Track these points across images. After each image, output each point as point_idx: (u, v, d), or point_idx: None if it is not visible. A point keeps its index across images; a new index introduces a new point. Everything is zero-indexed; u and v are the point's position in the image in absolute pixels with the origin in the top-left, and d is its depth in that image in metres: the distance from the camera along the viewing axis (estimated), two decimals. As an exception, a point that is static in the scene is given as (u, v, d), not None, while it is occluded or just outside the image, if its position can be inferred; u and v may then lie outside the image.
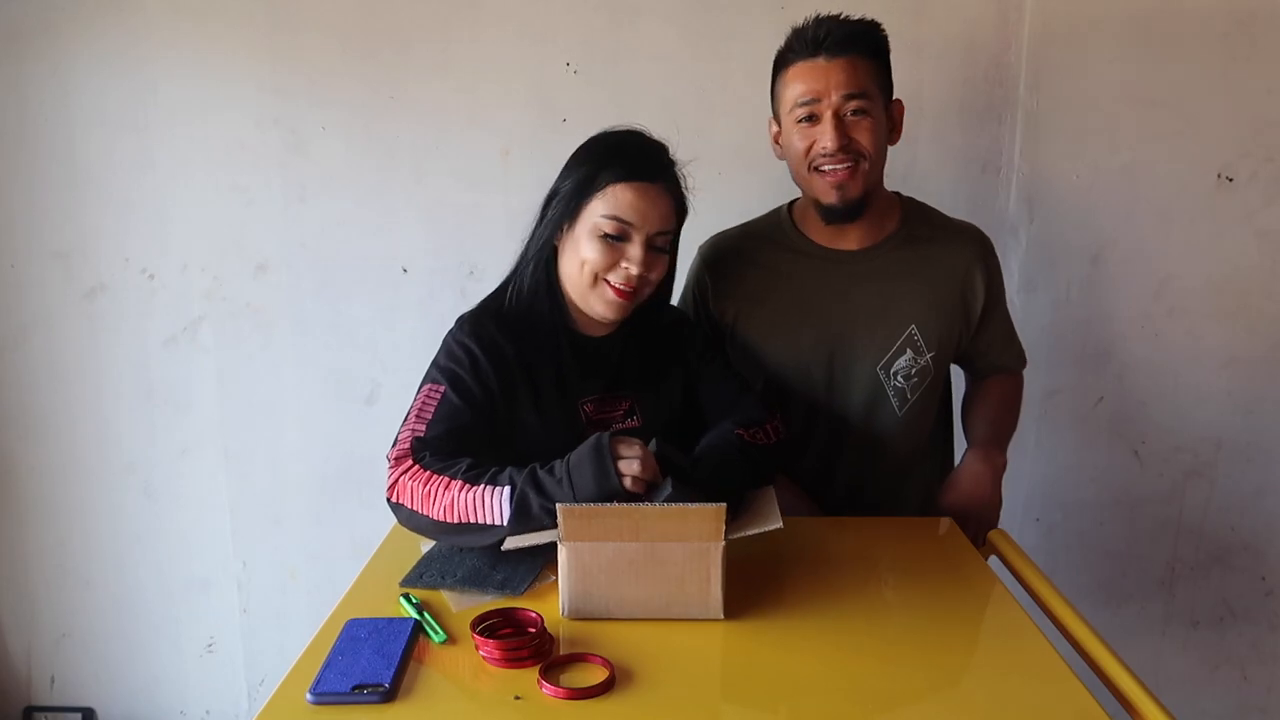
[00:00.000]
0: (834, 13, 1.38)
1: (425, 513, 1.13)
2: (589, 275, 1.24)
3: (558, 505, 1.02)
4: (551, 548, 1.07)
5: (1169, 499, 2.00)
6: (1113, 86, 1.82)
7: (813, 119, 1.36)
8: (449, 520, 1.12)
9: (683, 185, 1.29)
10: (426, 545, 1.24)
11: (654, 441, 1.13)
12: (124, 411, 1.99)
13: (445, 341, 1.29)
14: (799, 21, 1.39)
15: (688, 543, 1.02)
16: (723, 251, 1.52)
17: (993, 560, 1.33)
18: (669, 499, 1.05)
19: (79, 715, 2.14)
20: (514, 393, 1.26)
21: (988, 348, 1.54)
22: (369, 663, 0.95)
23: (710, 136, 1.84)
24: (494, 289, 1.35)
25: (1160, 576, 2.04)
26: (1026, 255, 1.87)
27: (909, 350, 1.44)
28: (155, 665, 2.13)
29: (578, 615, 1.06)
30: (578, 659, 0.97)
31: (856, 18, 1.38)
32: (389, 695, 0.90)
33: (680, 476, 1.11)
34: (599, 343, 1.33)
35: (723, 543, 1.02)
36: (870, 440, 1.48)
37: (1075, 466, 1.98)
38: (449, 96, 1.84)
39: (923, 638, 1.05)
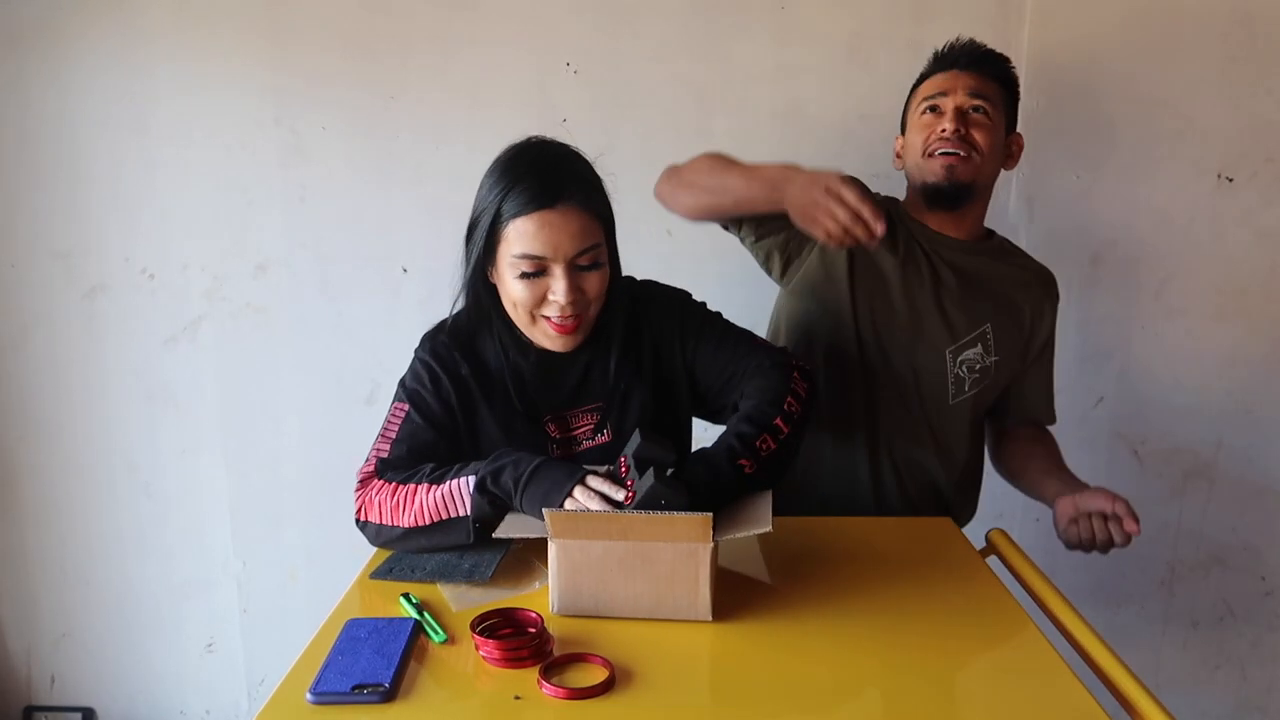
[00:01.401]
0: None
1: (395, 523, 1.15)
2: (524, 314, 1.20)
3: (544, 511, 1.02)
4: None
5: (1169, 499, 2.00)
6: (1113, 87, 1.82)
7: (936, 110, 1.45)
8: (419, 524, 1.14)
9: (598, 188, 1.19)
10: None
11: (636, 434, 1.11)
12: (124, 411, 1.99)
13: (412, 359, 1.29)
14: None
15: (676, 543, 1.02)
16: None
17: (993, 560, 1.33)
18: (648, 493, 1.03)
19: (79, 715, 2.14)
20: (473, 409, 1.26)
21: (1032, 389, 1.58)
22: (369, 663, 0.95)
23: (710, 136, 1.84)
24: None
25: (1160, 576, 2.04)
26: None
27: (980, 345, 1.50)
28: (155, 665, 2.13)
29: (567, 612, 1.06)
30: (577, 659, 0.97)
31: (990, 48, 1.48)
32: (389, 695, 0.90)
33: (661, 471, 1.07)
34: (558, 358, 1.27)
35: (711, 544, 1.02)
36: (911, 415, 1.51)
37: (1075, 466, 1.96)
38: (449, 96, 1.84)
39: (923, 638, 1.05)
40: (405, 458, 1.21)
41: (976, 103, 1.43)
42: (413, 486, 1.15)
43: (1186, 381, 1.94)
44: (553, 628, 1.02)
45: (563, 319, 1.18)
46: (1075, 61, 1.81)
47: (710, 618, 1.04)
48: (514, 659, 0.96)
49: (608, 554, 1.03)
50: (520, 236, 1.15)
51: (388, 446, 1.22)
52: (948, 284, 1.49)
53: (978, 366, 1.49)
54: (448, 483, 1.14)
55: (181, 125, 1.86)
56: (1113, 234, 1.88)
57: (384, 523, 1.16)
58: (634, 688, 0.93)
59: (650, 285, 1.36)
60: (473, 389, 1.25)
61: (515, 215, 1.14)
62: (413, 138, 1.85)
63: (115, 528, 2.05)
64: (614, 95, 1.83)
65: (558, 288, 1.16)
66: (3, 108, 1.86)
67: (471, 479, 1.13)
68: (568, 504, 1.07)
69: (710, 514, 1.00)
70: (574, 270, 1.17)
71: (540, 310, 1.19)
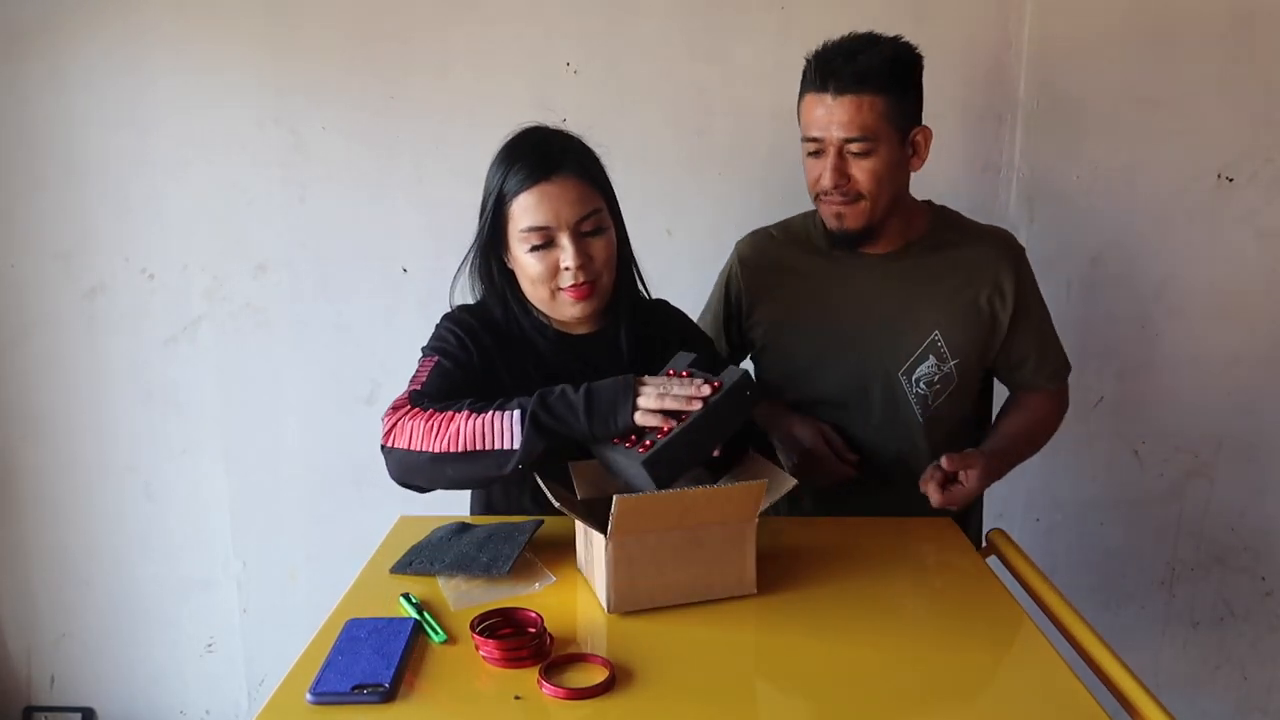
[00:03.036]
0: (855, 35, 1.35)
1: (426, 448, 1.14)
2: (543, 289, 1.25)
3: (614, 497, 1.02)
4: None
5: (1169, 499, 2.00)
6: (1113, 86, 1.82)
7: (818, 153, 1.37)
8: (454, 449, 1.12)
9: (592, 159, 1.26)
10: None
11: (681, 353, 1.21)
12: (124, 411, 1.99)
13: (434, 330, 1.32)
14: (812, 41, 1.37)
15: (726, 524, 1.07)
16: (759, 253, 1.54)
17: (993, 560, 1.33)
18: (739, 380, 1.11)
19: (79, 715, 2.14)
20: (494, 373, 1.28)
21: (1021, 360, 1.51)
22: (369, 663, 0.95)
23: (710, 136, 1.84)
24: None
25: (1160, 576, 2.04)
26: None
27: (932, 356, 1.45)
28: (155, 665, 2.13)
29: (625, 609, 1.06)
30: (578, 659, 0.97)
31: (874, 46, 1.33)
32: (389, 695, 0.90)
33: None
34: (573, 341, 1.32)
35: (755, 520, 1.08)
36: (891, 443, 1.48)
37: (1075, 466, 1.98)
38: (449, 96, 1.84)
39: (922, 638, 1.05)
40: (440, 391, 1.21)
41: (854, 137, 1.31)
42: (451, 414, 1.15)
43: (1186, 381, 1.94)
44: (553, 628, 1.02)
45: (577, 284, 1.23)
46: (1075, 61, 1.81)
47: (755, 590, 1.10)
48: (514, 659, 0.96)
49: (662, 544, 1.06)
50: (524, 211, 1.22)
51: (420, 386, 1.23)
52: (879, 305, 1.45)
53: (936, 378, 1.45)
54: (490, 413, 1.13)
55: (182, 125, 1.86)
56: (1113, 234, 1.88)
57: (412, 448, 1.15)
58: (634, 688, 0.93)
59: (684, 314, 1.46)
60: (494, 355, 1.28)
61: (517, 191, 1.22)
62: (413, 138, 1.85)
63: (115, 528, 2.05)
64: (614, 95, 1.83)
65: (566, 255, 1.22)
66: (3, 108, 1.86)
67: (517, 412, 1.12)
68: (638, 417, 1.11)
69: (764, 481, 1.08)
70: (579, 237, 1.22)
71: (555, 283, 1.24)
